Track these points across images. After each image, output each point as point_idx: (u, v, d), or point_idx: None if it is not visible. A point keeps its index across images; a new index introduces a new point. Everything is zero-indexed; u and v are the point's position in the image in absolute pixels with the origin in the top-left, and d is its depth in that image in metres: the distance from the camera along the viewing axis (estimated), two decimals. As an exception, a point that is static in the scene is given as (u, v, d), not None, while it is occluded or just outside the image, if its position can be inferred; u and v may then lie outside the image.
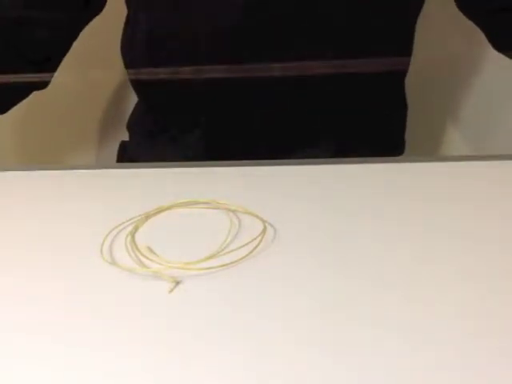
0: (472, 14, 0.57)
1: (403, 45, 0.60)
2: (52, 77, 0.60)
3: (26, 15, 0.54)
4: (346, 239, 0.36)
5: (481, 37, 0.59)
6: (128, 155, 0.69)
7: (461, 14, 0.59)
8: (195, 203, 0.41)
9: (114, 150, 0.72)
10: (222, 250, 0.35)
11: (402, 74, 0.62)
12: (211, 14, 0.53)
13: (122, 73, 0.64)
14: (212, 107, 0.59)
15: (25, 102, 0.60)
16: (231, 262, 0.33)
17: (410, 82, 0.64)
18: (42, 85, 0.60)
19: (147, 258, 0.34)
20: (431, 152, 0.88)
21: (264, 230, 0.36)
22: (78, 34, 0.59)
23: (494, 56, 0.60)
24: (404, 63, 0.61)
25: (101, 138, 0.90)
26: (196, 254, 0.34)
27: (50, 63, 0.59)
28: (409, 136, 0.67)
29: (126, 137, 0.69)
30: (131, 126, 0.68)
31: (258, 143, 0.59)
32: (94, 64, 0.78)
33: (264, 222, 0.38)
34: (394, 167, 0.47)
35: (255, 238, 0.35)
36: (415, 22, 0.59)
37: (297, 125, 0.59)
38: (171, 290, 0.31)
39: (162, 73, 0.59)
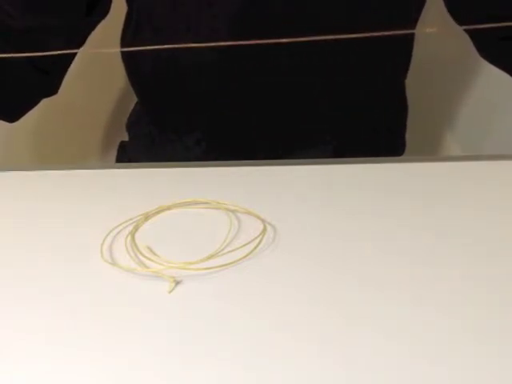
0: (460, 20, 0.58)
1: (403, 45, 0.60)
2: (61, 83, 0.60)
3: (33, 24, 0.54)
4: (345, 239, 0.36)
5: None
6: (127, 155, 0.68)
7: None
8: (195, 203, 0.41)
9: (113, 149, 0.72)
10: (222, 249, 0.35)
11: (402, 74, 0.62)
12: (212, 14, 0.53)
13: (121, 72, 0.64)
14: (212, 108, 0.59)
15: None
16: (231, 262, 0.33)
17: (410, 82, 0.64)
18: (52, 91, 0.60)
19: (147, 258, 0.34)
20: (431, 152, 0.88)
21: (264, 230, 0.36)
22: (84, 41, 0.59)
23: (493, 56, 0.60)
24: (404, 63, 0.61)
25: (101, 137, 0.90)
26: (196, 254, 0.34)
27: (58, 70, 0.59)
28: (409, 136, 0.67)
29: (125, 137, 0.69)
30: (130, 127, 0.68)
31: (258, 144, 0.59)
32: (94, 63, 0.78)
33: (264, 221, 0.38)
34: (394, 167, 0.47)
35: (255, 238, 0.35)
36: (416, 22, 0.59)
37: (297, 125, 0.59)
38: (171, 290, 0.31)
39: (162, 72, 0.59)
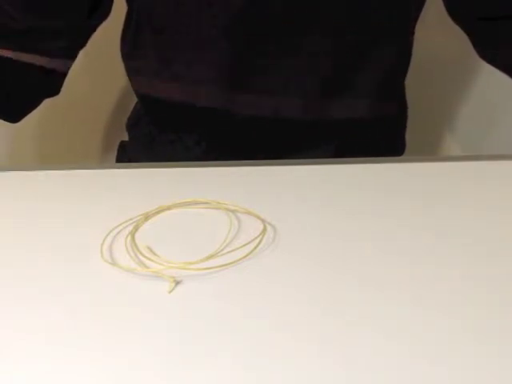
0: (459, 20, 0.58)
1: (403, 45, 0.60)
2: (62, 83, 0.60)
3: (35, 26, 0.54)
4: (345, 239, 0.36)
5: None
6: (127, 155, 0.68)
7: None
8: (195, 203, 0.41)
9: (113, 149, 0.72)
10: (222, 249, 0.35)
11: (402, 74, 0.62)
12: (212, 14, 0.53)
13: (121, 72, 0.64)
14: (212, 108, 0.58)
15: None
16: (231, 262, 0.33)
17: (410, 82, 0.64)
18: (54, 92, 0.60)
19: (147, 258, 0.34)
20: (431, 152, 0.88)
21: (264, 230, 0.36)
22: (85, 43, 0.59)
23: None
24: (404, 64, 0.61)
25: (101, 137, 0.90)
26: (196, 254, 0.34)
27: (58, 72, 0.59)
28: (409, 136, 0.67)
29: (125, 137, 0.69)
30: (130, 127, 0.68)
31: (258, 145, 0.59)
32: (94, 63, 0.78)
33: (264, 221, 0.38)
34: (393, 167, 0.47)
35: (255, 238, 0.35)
36: (415, 23, 0.59)
37: (297, 125, 0.59)
38: (171, 290, 0.31)
39: (163, 73, 0.59)
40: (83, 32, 0.58)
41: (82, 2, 0.55)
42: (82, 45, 0.59)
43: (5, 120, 0.57)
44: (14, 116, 0.58)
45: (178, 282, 0.32)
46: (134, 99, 0.66)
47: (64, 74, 0.59)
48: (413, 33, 0.60)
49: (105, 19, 0.59)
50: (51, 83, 0.59)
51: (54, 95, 0.60)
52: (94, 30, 0.59)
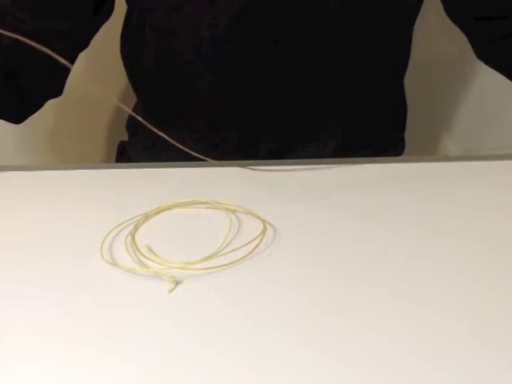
0: (456, 19, 0.58)
1: (402, 45, 0.60)
2: (65, 84, 0.60)
3: (39, 26, 0.54)
4: (345, 239, 0.36)
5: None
6: (127, 155, 0.68)
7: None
8: (195, 203, 0.41)
9: (113, 149, 0.72)
10: (222, 249, 0.35)
11: (401, 73, 0.62)
12: (212, 13, 0.53)
13: (121, 72, 0.64)
14: (212, 108, 0.59)
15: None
16: (231, 262, 0.33)
17: (409, 82, 0.64)
18: (58, 92, 0.60)
19: (147, 257, 0.34)
20: (431, 152, 0.88)
21: (264, 230, 0.36)
22: (88, 43, 0.59)
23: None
24: (403, 63, 0.61)
25: (101, 137, 0.90)
26: (196, 254, 0.34)
27: (63, 72, 0.59)
28: (409, 136, 0.67)
29: (125, 137, 0.69)
30: (130, 127, 0.68)
31: (258, 146, 0.59)
32: (94, 63, 0.78)
33: (264, 222, 0.38)
34: (394, 167, 0.47)
35: (255, 238, 0.35)
36: (414, 22, 0.59)
37: (297, 126, 0.59)
38: (171, 290, 0.31)
39: (163, 73, 0.59)
40: (86, 32, 0.58)
41: (87, 0, 0.55)
42: (85, 45, 0.59)
43: (8, 121, 0.57)
44: (18, 117, 0.58)
45: (178, 282, 0.32)
46: (134, 99, 0.66)
47: (66, 75, 0.59)
48: (411, 32, 0.60)
49: (108, 18, 0.59)
50: (55, 84, 0.59)
51: (57, 96, 0.60)
52: (97, 31, 0.59)
